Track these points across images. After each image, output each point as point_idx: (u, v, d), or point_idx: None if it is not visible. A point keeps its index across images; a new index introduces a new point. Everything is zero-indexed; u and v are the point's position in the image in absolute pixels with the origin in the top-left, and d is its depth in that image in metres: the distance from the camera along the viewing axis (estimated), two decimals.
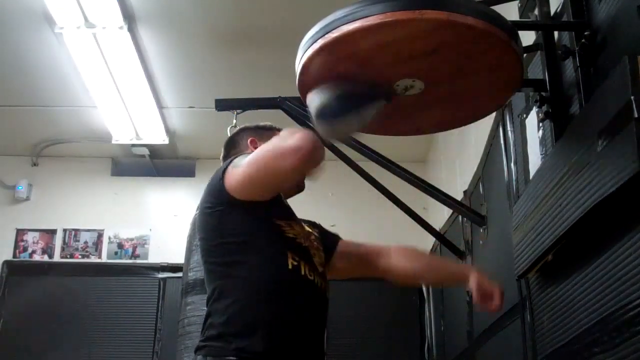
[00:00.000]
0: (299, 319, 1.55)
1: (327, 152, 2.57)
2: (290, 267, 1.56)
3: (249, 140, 1.82)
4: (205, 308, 1.59)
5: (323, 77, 1.68)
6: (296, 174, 1.58)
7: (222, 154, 1.89)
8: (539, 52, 2.00)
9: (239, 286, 1.52)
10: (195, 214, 1.71)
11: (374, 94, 1.64)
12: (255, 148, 1.74)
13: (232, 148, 1.86)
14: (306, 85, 1.73)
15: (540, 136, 2.03)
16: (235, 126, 2.23)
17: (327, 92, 1.60)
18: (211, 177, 1.65)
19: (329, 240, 1.82)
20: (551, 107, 1.86)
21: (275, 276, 1.54)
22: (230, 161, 1.60)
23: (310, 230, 1.75)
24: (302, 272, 1.57)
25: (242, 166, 1.54)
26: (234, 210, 1.56)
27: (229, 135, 1.96)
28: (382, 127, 1.95)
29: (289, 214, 1.68)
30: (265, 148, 1.54)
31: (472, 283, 1.75)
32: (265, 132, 1.83)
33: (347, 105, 1.59)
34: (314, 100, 1.61)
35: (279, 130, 1.83)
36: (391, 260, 1.84)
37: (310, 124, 2.38)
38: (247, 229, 1.57)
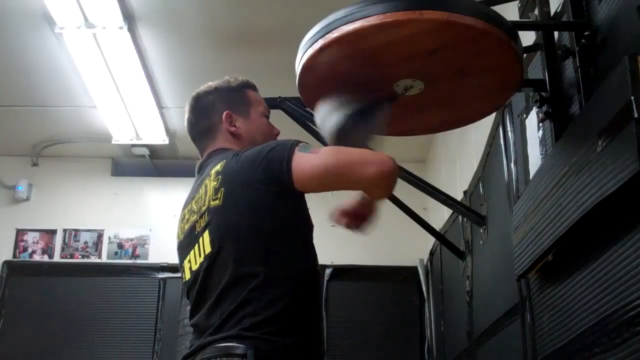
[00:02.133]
0: (319, 320, 1.59)
1: None
2: (315, 268, 1.57)
3: (224, 115, 1.70)
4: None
5: (323, 77, 1.68)
6: (372, 184, 1.51)
7: (187, 116, 1.75)
8: (539, 52, 2.00)
9: (287, 278, 1.46)
10: (213, 189, 1.53)
11: (379, 100, 1.65)
12: (231, 125, 1.69)
13: (205, 116, 1.73)
14: (306, 85, 1.73)
15: (540, 136, 2.03)
16: None
17: (337, 112, 1.61)
18: (254, 150, 1.54)
19: None
20: (551, 107, 1.86)
21: (311, 273, 1.54)
22: (293, 145, 1.49)
23: None
24: (318, 268, 1.60)
25: (317, 155, 1.47)
26: (286, 196, 1.49)
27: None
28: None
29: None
30: (350, 150, 1.49)
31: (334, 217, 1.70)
32: (238, 97, 1.75)
33: (360, 120, 1.61)
34: (327, 121, 1.62)
35: (250, 87, 1.79)
36: None
37: (310, 124, 2.38)
38: (295, 221, 1.53)
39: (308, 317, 1.49)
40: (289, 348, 1.40)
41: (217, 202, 1.52)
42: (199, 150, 1.76)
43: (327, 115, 1.63)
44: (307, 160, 1.47)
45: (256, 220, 1.49)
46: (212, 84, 1.79)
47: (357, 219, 1.69)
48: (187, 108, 1.77)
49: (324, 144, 2.44)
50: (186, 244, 1.63)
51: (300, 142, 1.52)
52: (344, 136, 1.60)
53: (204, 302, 1.51)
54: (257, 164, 1.50)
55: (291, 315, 1.43)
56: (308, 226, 1.58)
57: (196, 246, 1.57)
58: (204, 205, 1.56)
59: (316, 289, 1.57)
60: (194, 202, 1.63)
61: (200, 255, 1.55)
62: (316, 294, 1.57)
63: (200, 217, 1.56)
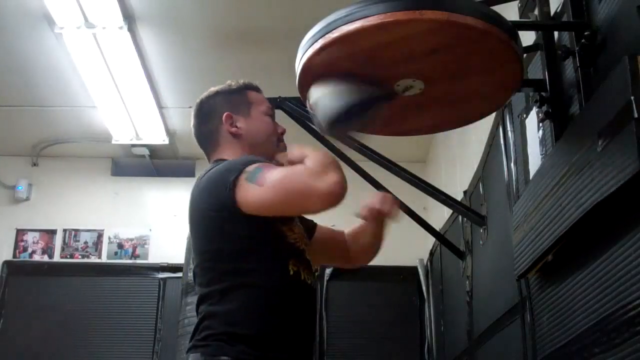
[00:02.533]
0: (299, 324, 1.55)
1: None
2: (291, 273, 1.54)
3: (224, 117, 1.71)
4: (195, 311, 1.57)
5: (323, 77, 1.68)
6: (314, 213, 1.58)
7: (193, 122, 1.78)
8: (539, 52, 2.00)
9: (242, 292, 1.50)
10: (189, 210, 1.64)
11: (377, 97, 1.65)
12: (232, 126, 1.71)
13: (207, 120, 1.75)
14: (306, 85, 1.73)
15: (540, 136, 2.03)
16: None
17: (334, 100, 1.60)
18: (211, 172, 1.59)
19: (308, 229, 1.81)
20: (551, 107, 1.86)
21: (278, 284, 1.53)
22: (241, 168, 1.52)
23: (299, 224, 1.73)
24: (302, 277, 1.56)
25: (261, 187, 1.47)
26: (237, 218, 1.52)
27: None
28: (382, 127, 1.96)
29: (289, 218, 1.63)
30: (294, 180, 1.47)
31: (362, 215, 1.79)
32: (239, 99, 1.76)
33: (357, 113, 1.61)
34: (324, 103, 1.61)
35: (251, 88, 1.80)
36: (348, 243, 1.90)
37: (310, 124, 2.38)
38: (251, 236, 1.54)
39: (274, 327, 1.49)
40: (241, 354, 1.44)
41: (189, 222, 1.64)
42: (206, 155, 1.79)
43: (325, 97, 1.61)
44: (252, 193, 1.49)
45: (214, 243, 1.56)
46: (213, 88, 1.81)
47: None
48: (192, 114, 1.80)
49: (323, 142, 2.45)
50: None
51: (249, 165, 1.53)
52: (336, 124, 1.60)
53: None
54: (207, 192, 1.57)
55: (247, 327, 1.47)
56: (273, 236, 1.56)
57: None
58: None
59: (293, 295, 1.54)
60: None
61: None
62: (292, 299, 1.54)
63: None
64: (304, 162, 1.51)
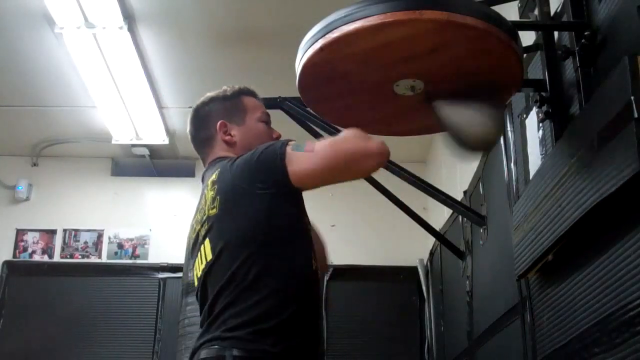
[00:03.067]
0: (316, 319, 1.56)
1: None
2: (313, 268, 1.55)
3: (218, 125, 1.72)
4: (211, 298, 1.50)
5: (323, 77, 1.68)
6: (368, 175, 1.61)
7: (189, 129, 1.78)
8: (539, 52, 2.00)
9: (274, 280, 1.46)
10: (211, 198, 1.57)
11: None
12: (226, 134, 1.71)
13: (203, 127, 1.75)
14: (306, 85, 1.73)
15: (540, 136, 2.03)
16: None
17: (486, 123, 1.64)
18: (246, 155, 1.55)
19: None
20: (551, 107, 1.86)
21: (305, 275, 1.52)
22: (283, 144, 1.51)
23: None
24: (318, 275, 1.58)
25: (312, 153, 1.47)
26: (283, 197, 1.50)
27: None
28: (382, 127, 1.96)
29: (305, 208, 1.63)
30: (346, 142, 1.49)
31: None
32: (234, 106, 1.76)
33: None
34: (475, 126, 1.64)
35: (246, 94, 1.79)
36: None
37: (310, 124, 2.38)
38: (288, 222, 1.53)
39: (298, 318, 1.47)
40: (271, 348, 1.41)
41: (214, 210, 1.56)
42: (201, 160, 1.79)
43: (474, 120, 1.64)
44: (304, 159, 1.48)
45: (251, 225, 1.51)
46: (209, 94, 1.81)
47: None
48: (188, 120, 1.81)
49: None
50: (193, 254, 1.67)
51: (290, 140, 1.53)
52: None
53: (203, 306, 1.56)
54: (250, 169, 1.52)
55: (278, 316, 1.44)
56: (304, 226, 1.57)
57: (199, 254, 1.60)
58: (204, 215, 1.60)
59: (312, 289, 1.54)
60: (198, 212, 1.67)
61: (202, 263, 1.59)
62: (311, 294, 1.54)
63: (202, 226, 1.60)
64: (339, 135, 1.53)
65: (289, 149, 1.49)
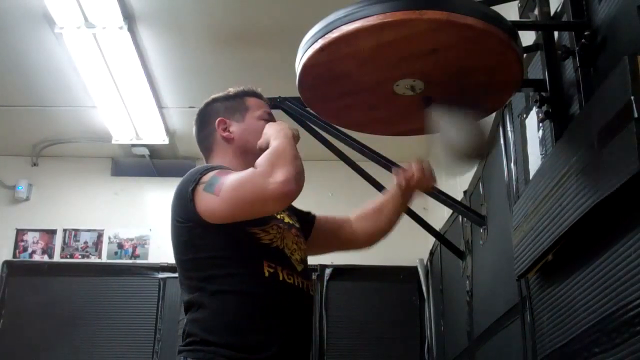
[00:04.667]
0: (284, 324, 1.54)
1: (327, 152, 2.57)
2: (266, 274, 1.54)
3: (217, 122, 1.74)
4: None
5: (323, 77, 1.68)
6: (273, 212, 1.60)
7: (194, 129, 1.83)
8: (539, 52, 2.00)
9: (217, 299, 1.51)
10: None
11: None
12: (224, 130, 1.73)
13: (204, 125, 1.79)
14: (306, 85, 1.73)
15: (540, 136, 2.03)
16: None
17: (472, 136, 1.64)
18: (181, 181, 1.63)
19: (307, 223, 1.83)
20: (551, 107, 1.86)
21: (252, 287, 1.53)
22: (198, 178, 1.55)
23: (291, 221, 1.72)
24: (280, 278, 1.56)
25: (217, 197, 1.49)
26: (203, 227, 1.54)
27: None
28: (382, 127, 1.96)
29: (265, 217, 1.62)
30: (245, 187, 1.48)
31: (399, 182, 1.80)
32: (236, 104, 1.78)
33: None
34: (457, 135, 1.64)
35: (250, 94, 1.80)
36: (354, 227, 1.89)
37: (310, 124, 2.38)
38: (220, 244, 1.55)
39: (253, 328, 1.49)
40: (220, 349, 1.46)
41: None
42: (205, 162, 1.83)
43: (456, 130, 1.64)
44: (211, 204, 1.51)
45: (188, 253, 1.58)
46: (213, 95, 1.84)
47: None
48: (194, 122, 1.85)
49: (326, 144, 2.45)
50: None
51: (205, 174, 1.56)
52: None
53: None
54: (175, 203, 1.62)
55: (227, 330, 1.48)
56: (251, 242, 1.57)
57: None
58: None
59: (268, 297, 1.54)
60: None
61: None
62: (268, 301, 1.53)
63: None
64: (262, 156, 1.55)
65: (200, 188, 1.53)
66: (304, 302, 1.62)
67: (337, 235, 1.87)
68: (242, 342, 1.47)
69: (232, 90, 1.82)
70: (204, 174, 1.55)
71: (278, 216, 1.67)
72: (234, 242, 1.56)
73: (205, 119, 1.79)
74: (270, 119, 1.79)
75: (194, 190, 1.54)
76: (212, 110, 1.79)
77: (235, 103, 1.79)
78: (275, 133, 1.61)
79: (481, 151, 1.70)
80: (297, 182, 1.47)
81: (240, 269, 1.54)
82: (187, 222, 1.56)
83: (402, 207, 1.86)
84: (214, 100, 1.81)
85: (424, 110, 1.71)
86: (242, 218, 1.54)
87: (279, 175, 1.45)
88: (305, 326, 1.61)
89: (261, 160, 1.52)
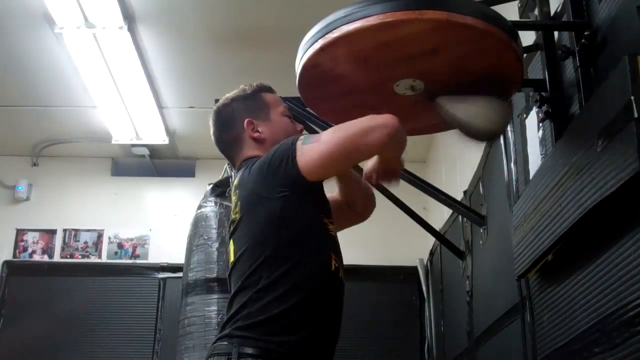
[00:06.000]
0: (335, 321, 1.55)
1: None
2: (333, 269, 1.54)
3: (245, 123, 1.71)
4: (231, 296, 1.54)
5: (323, 77, 1.68)
6: (382, 150, 1.54)
7: (212, 131, 1.78)
8: (539, 52, 2.00)
9: (289, 282, 1.47)
10: (234, 204, 1.61)
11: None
12: (254, 131, 1.71)
13: (228, 128, 1.75)
14: (306, 85, 1.73)
15: (540, 136, 2.03)
16: None
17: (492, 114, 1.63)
18: (260, 160, 1.57)
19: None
20: (551, 107, 1.86)
21: (322, 277, 1.52)
22: (294, 141, 1.52)
23: None
24: (340, 275, 1.57)
25: (321, 143, 1.48)
26: (296, 198, 1.51)
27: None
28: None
29: (329, 207, 1.63)
30: (349, 125, 1.49)
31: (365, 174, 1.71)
32: (256, 103, 1.76)
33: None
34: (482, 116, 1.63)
35: (265, 90, 1.79)
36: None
37: (310, 124, 2.38)
38: (304, 223, 1.53)
39: (311, 321, 1.47)
40: (278, 347, 1.42)
41: (237, 215, 1.60)
42: (230, 162, 1.79)
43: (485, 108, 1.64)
44: (311, 151, 1.49)
45: (265, 231, 1.53)
46: (228, 95, 1.80)
47: (386, 174, 1.68)
48: (210, 123, 1.80)
49: None
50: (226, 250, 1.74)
51: (300, 136, 1.55)
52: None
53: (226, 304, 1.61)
54: (265, 173, 1.54)
55: (288, 318, 1.45)
56: (321, 227, 1.56)
57: (229, 254, 1.65)
58: (231, 217, 1.64)
59: (330, 292, 1.54)
60: (232, 212, 1.70)
61: (229, 262, 1.63)
62: (329, 297, 1.53)
63: (229, 227, 1.65)
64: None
65: (299, 143, 1.51)
66: (343, 300, 1.62)
67: (344, 211, 1.84)
68: (302, 333, 1.45)
69: (246, 87, 1.79)
70: (298, 137, 1.54)
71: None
72: (315, 225, 1.55)
73: (228, 120, 1.76)
74: (291, 113, 1.80)
75: (294, 149, 1.50)
76: (234, 111, 1.76)
77: (254, 102, 1.76)
78: None
79: (492, 131, 1.69)
80: (398, 122, 1.49)
81: (315, 255, 1.53)
82: (282, 192, 1.50)
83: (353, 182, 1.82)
84: (232, 100, 1.78)
85: (429, 104, 1.70)
86: (345, 157, 1.52)
87: (383, 116, 1.48)
88: (340, 322, 1.61)
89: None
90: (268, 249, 1.51)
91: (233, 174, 1.76)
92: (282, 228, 1.51)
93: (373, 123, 1.47)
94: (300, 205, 1.53)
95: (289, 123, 1.76)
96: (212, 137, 1.79)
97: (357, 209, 1.83)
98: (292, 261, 1.49)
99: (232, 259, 1.60)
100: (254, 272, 1.50)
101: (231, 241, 1.61)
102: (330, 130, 1.53)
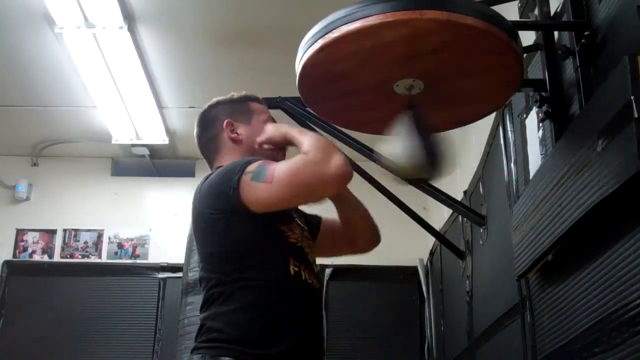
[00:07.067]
0: (302, 324, 1.54)
1: None
2: (292, 273, 1.55)
3: (224, 123, 1.74)
4: (199, 312, 1.58)
5: (323, 77, 1.68)
6: (325, 198, 1.62)
7: (195, 131, 1.81)
8: (539, 52, 2.00)
9: (243, 293, 1.51)
10: (192, 214, 1.67)
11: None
12: (232, 132, 1.73)
13: (208, 127, 1.78)
14: (306, 85, 1.73)
15: (540, 136, 2.03)
16: None
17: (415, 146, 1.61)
18: (212, 176, 1.61)
19: (314, 225, 1.82)
20: (551, 107, 1.86)
21: (278, 283, 1.53)
22: (243, 168, 1.53)
23: (301, 223, 1.73)
24: (303, 277, 1.57)
25: (270, 184, 1.49)
26: (240, 218, 1.54)
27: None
28: (382, 127, 1.95)
29: (290, 216, 1.65)
30: (302, 171, 1.49)
31: None
32: (240, 108, 1.78)
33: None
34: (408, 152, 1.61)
35: (253, 99, 1.81)
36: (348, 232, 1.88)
37: (310, 124, 2.38)
38: (252, 238, 1.56)
39: (277, 326, 1.49)
40: (245, 356, 1.44)
41: (192, 226, 1.66)
42: (208, 163, 1.81)
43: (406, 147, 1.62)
44: (262, 190, 1.50)
45: (212, 247, 1.58)
46: (215, 99, 1.83)
47: None
48: (195, 124, 1.83)
49: None
50: None
51: (249, 165, 1.54)
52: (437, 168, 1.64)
53: None
54: (210, 195, 1.58)
55: (251, 327, 1.48)
56: (275, 234, 1.58)
57: None
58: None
59: (294, 295, 1.54)
60: None
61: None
62: (293, 299, 1.54)
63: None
64: (300, 144, 1.56)
65: (246, 178, 1.51)
66: (319, 304, 1.65)
67: (341, 237, 1.87)
68: (263, 337, 1.47)
69: (235, 94, 1.83)
70: (248, 165, 1.54)
71: (295, 218, 1.68)
72: (265, 237, 1.57)
73: (210, 121, 1.79)
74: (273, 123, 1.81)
75: (239, 179, 1.52)
76: (217, 112, 1.79)
77: (239, 106, 1.79)
78: (297, 130, 1.66)
79: (424, 175, 1.66)
80: (350, 166, 1.50)
81: (269, 264, 1.55)
82: (223, 213, 1.55)
83: (350, 205, 1.85)
84: (218, 103, 1.81)
85: (424, 105, 1.70)
86: (295, 203, 1.58)
87: (336, 159, 1.49)
88: (319, 326, 1.62)
89: (309, 147, 1.53)
90: (218, 267, 1.56)
91: None
92: (228, 246, 1.56)
93: (328, 176, 1.48)
94: (245, 225, 1.55)
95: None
96: (195, 137, 1.81)
97: (358, 239, 1.87)
98: (244, 274, 1.53)
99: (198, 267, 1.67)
100: (211, 288, 1.55)
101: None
102: (284, 171, 1.50)
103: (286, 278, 1.54)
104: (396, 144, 1.63)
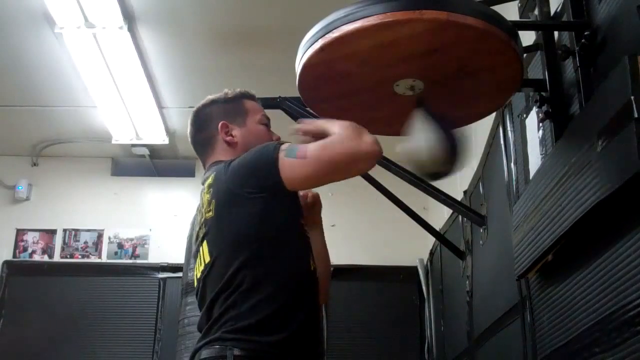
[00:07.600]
0: (316, 320, 1.56)
1: None
2: (312, 268, 1.56)
3: (219, 125, 1.73)
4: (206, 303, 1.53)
5: (323, 77, 1.68)
6: (358, 173, 1.63)
7: (189, 130, 1.79)
8: (539, 52, 2.00)
9: (273, 282, 1.48)
10: (207, 202, 1.60)
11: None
12: (227, 134, 1.72)
13: (203, 129, 1.76)
14: (306, 85, 1.73)
15: (540, 136, 2.03)
16: None
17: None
18: (243, 155, 1.57)
19: None
20: (551, 107, 1.86)
21: (303, 276, 1.53)
22: (276, 149, 1.51)
23: None
24: (317, 275, 1.58)
25: (304, 160, 1.49)
26: (276, 201, 1.51)
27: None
28: (382, 127, 1.96)
29: (302, 210, 1.65)
30: (336, 147, 1.50)
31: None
32: (235, 108, 1.77)
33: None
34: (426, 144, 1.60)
35: (247, 97, 1.80)
36: None
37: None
38: (283, 224, 1.54)
39: (297, 319, 1.48)
40: (271, 348, 1.43)
41: (210, 213, 1.58)
42: (201, 161, 1.80)
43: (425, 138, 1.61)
44: (296, 167, 1.49)
45: (245, 230, 1.53)
46: (210, 97, 1.82)
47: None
48: (188, 123, 1.81)
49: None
50: (194, 254, 1.68)
51: (282, 143, 1.54)
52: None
53: (202, 307, 1.58)
54: (243, 173, 1.54)
55: (277, 318, 1.45)
56: (299, 227, 1.58)
57: (199, 256, 1.62)
58: (202, 217, 1.62)
59: (311, 290, 1.55)
60: (198, 213, 1.69)
61: (201, 264, 1.60)
62: (311, 294, 1.54)
63: (200, 228, 1.62)
64: (332, 131, 1.54)
65: (281, 155, 1.50)
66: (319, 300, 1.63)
67: None
68: (290, 333, 1.45)
69: (229, 92, 1.81)
70: (281, 144, 1.54)
71: None
72: (293, 226, 1.57)
73: (204, 121, 1.78)
74: (269, 122, 1.80)
75: (275, 156, 1.50)
76: (211, 112, 1.78)
77: (233, 106, 1.78)
78: (324, 120, 1.65)
79: (446, 168, 1.65)
80: (380, 145, 1.51)
81: (295, 255, 1.54)
82: (261, 192, 1.51)
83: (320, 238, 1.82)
84: (212, 102, 1.80)
85: (414, 110, 1.70)
86: (328, 179, 1.55)
87: (367, 137, 1.50)
88: (320, 321, 1.63)
89: (341, 129, 1.52)
90: (249, 250, 1.50)
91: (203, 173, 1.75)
92: (263, 228, 1.51)
93: (361, 152, 1.49)
94: (279, 207, 1.53)
95: (264, 131, 1.76)
96: (188, 136, 1.80)
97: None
98: (275, 261, 1.50)
99: (207, 259, 1.56)
100: (236, 273, 1.48)
101: (205, 242, 1.58)
102: (317, 148, 1.50)
103: (307, 273, 1.55)
104: (414, 141, 1.62)
